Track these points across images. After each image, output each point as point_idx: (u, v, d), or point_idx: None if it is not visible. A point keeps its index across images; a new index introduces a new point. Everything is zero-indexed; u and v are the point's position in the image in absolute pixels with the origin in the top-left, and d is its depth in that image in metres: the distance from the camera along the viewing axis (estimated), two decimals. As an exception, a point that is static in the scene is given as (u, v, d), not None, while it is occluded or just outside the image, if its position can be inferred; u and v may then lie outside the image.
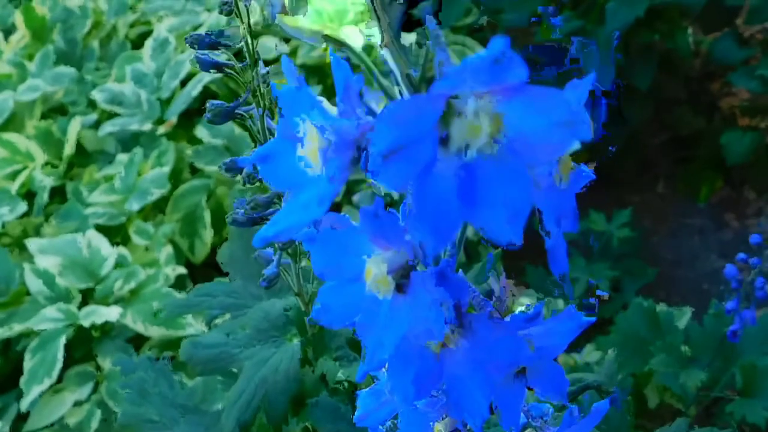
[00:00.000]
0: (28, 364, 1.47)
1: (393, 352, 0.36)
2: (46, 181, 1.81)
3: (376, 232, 0.36)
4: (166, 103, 1.93)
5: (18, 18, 2.23)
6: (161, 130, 1.88)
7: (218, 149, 1.81)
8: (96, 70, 2.10)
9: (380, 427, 0.49)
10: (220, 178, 1.79)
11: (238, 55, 0.76)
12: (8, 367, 1.56)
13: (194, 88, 1.88)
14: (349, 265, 0.38)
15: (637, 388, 1.53)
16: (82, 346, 1.53)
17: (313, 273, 0.82)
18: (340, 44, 0.35)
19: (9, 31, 2.30)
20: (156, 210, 1.81)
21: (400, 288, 0.37)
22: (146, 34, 2.11)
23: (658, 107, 2.20)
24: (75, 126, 1.87)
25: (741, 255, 1.35)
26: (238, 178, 0.76)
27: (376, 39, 0.36)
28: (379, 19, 0.34)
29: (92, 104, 1.98)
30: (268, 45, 1.86)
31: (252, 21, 0.73)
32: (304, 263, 0.83)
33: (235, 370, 0.87)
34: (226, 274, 0.95)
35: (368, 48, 0.40)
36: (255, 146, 0.78)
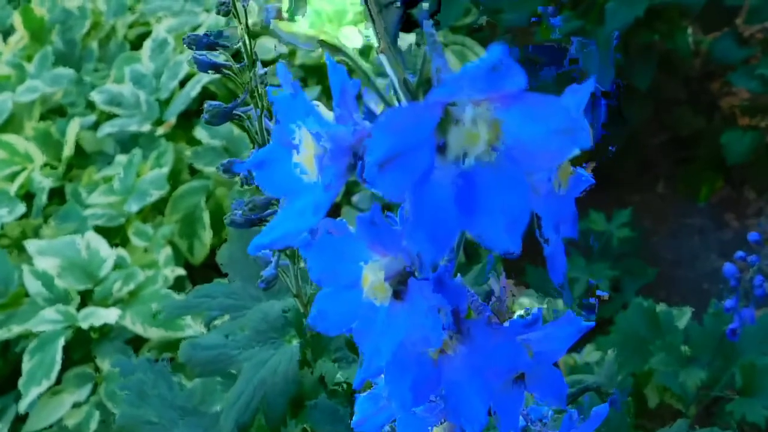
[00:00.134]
0: (26, 365, 1.46)
1: (390, 359, 0.36)
2: (44, 183, 1.81)
3: (373, 238, 0.36)
4: (164, 103, 1.93)
5: (17, 19, 2.23)
6: (160, 131, 1.88)
7: (217, 150, 1.81)
8: (95, 71, 2.10)
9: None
10: (219, 179, 1.79)
11: (237, 55, 0.76)
12: (7, 368, 1.56)
13: (193, 89, 1.88)
14: (346, 271, 0.37)
15: (637, 387, 1.53)
16: (81, 347, 1.53)
17: (311, 275, 0.82)
18: (335, 50, 0.35)
19: (8, 32, 2.30)
20: (155, 211, 1.81)
21: (397, 295, 0.37)
22: (145, 35, 2.10)
23: (657, 107, 2.20)
24: (74, 127, 1.87)
25: (740, 253, 1.35)
26: (237, 178, 0.76)
27: (375, 41, 0.36)
28: (374, 24, 0.34)
29: (91, 105, 1.97)
30: (267, 46, 1.86)
31: (251, 22, 0.73)
32: (302, 265, 0.83)
33: (234, 371, 0.86)
34: (226, 275, 0.94)
35: (368, 48, 0.40)
36: (254, 147, 0.77)
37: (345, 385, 0.83)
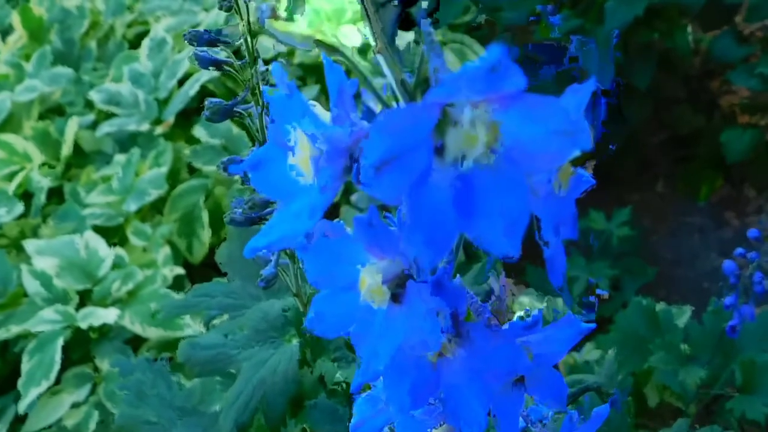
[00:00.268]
0: (25, 365, 1.46)
1: (389, 363, 0.36)
2: (43, 182, 1.81)
3: (370, 241, 0.36)
4: (163, 103, 1.92)
5: (15, 18, 2.22)
6: (159, 130, 1.87)
7: (216, 149, 1.80)
8: (93, 71, 2.09)
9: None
10: (218, 177, 1.79)
11: (237, 53, 0.75)
12: (6, 369, 1.55)
13: (192, 88, 1.88)
14: (343, 274, 0.37)
15: (636, 386, 1.52)
16: (80, 347, 1.53)
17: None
18: (332, 49, 0.34)
19: (6, 32, 2.29)
20: (154, 210, 1.80)
21: (395, 297, 0.36)
22: (144, 34, 2.10)
23: (657, 106, 2.19)
24: (72, 126, 1.86)
25: (739, 250, 1.35)
26: (236, 177, 0.75)
27: (372, 42, 0.36)
28: (371, 24, 0.34)
29: (90, 105, 1.97)
30: (266, 44, 1.86)
31: (252, 19, 0.72)
32: (302, 264, 0.83)
33: (233, 371, 0.86)
34: (225, 275, 0.94)
35: (366, 47, 0.39)
36: (253, 145, 0.77)
37: (344, 385, 0.83)
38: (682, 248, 2.16)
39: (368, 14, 0.33)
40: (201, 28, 0.74)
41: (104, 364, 1.49)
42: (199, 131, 1.83)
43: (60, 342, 1.46)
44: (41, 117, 1.99)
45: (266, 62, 0.75)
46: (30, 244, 1.60)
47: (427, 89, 0.31)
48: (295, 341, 0.85)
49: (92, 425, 1.41)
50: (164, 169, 1.76)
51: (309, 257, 0.38)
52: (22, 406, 1.43)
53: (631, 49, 1.99)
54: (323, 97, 1.71)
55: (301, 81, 1.93)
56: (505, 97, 0.29)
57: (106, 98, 1.91)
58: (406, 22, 0.36)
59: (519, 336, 0.42)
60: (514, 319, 0.44)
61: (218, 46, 0.74)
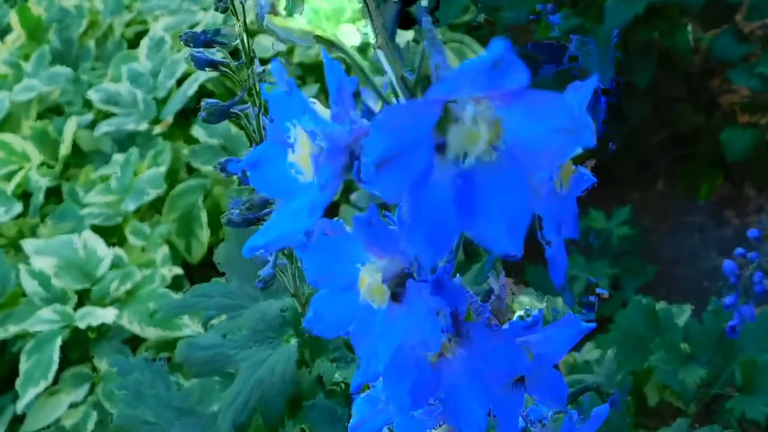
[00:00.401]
0: (23, 365, 1.46)
1: (388, 363, 0.35)
2: (41, 182, 1.80)
3: (370, 239, 0.35)
4: (162, 102, 1.92)
5: (13, 18, 2.22)
6: (157, 129, 1.87)
7: (215, 149, 1.80)
8: (92, 70, 2.09)
9: (376, 435, 0.48)
10: (216, 177, 1.78)
11: (235, 53, 0.75)
12: (4, 368, 1.55)
13: (190, 88, 1.87)
14: (343, 273, 0.37)
15: (636, 386, 1.52)
16: (79, 347, 1.53)
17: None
18: (331, 45, 0.34)
19: (5, 31, 2.29)
20: (152, 210, 1.80)
21: (395, 297, 0.36)
22: (142, 34, 2.09)
23: (657, 105, 2.19)
24: (71, 126, 1.86)
25: (739, 250, 1.34)
26: (235, 177, 0.75)
27: (372, 38, 0.35)
28: (372, 20, 0.33)
29: (88, 104, 1.96)
30: (265, 44, 1.85)
31: (249, 19, 0.72)
32: (300, 264, 0.82)
33: (232, 371, 0.86)
34: (224, 275, 0.94)
35: (366, 46, 0.39)
36: (251, 146, 0.77)
37: (343, 385, 0.83)
38: (682, 247, 2.15)
39: (369, 9, 0.33)
40: (199, 28, 0.74)
41: (103, 364, 1.49)
42: (197, 131, 1.83)
43: (58, 342, 1.46)
44: (40, 116, 1.99)
45: (265, 62, 0.74)
46: (28, 244, 1.60)
47: (428, 86, 0.30)
48: (293, 341, 0.85)
49: (90, 425, 1.40)
50: (163, 169, 1.76)
51: (308, 256, 0.37)
52: (20, 406, 1.43)
53: (631, 48, 1.99)
54: (323, 96, 1.71)
55: (300, 80, 1.93)
56: (508, 94, 0.28)
57: (105, 98, 1.91)
58: (405, 21, 0.35)
59: (519, 336, 0.42)
60: (514, 318, 0.44)
61: (214, 47, 0.74)
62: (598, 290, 1.68)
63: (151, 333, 1.49)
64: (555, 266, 0.36)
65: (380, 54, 0.34)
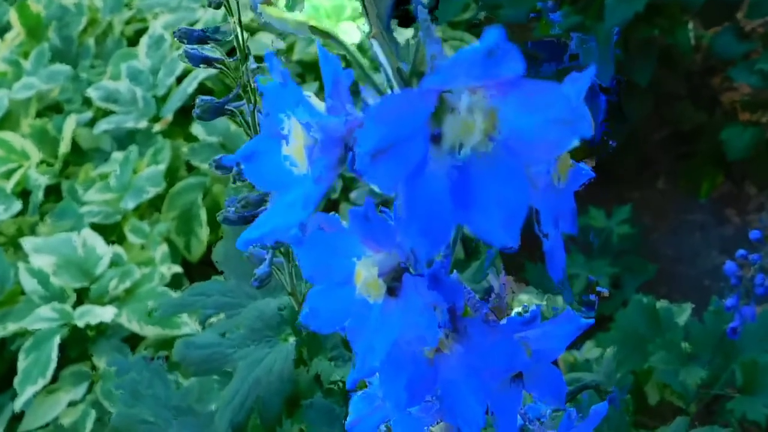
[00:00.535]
0: (22, 363, 1.45)
1: (385, 358, 0.35)
2: (41, 180, 1.80)
3: (366, 233, 0.35)
4: (161, 100, 1.92)
5: (13, 16, 2.21)
6: (157, 127, 1.87)
7: (214, 146, 1.79)
8: (91, 68, 2.08)
9: (373, 432, 0.47)
10: (216, 175, 1.78)
11: (233, 51, 0.75)
12: (3, 367, 1.55)
13: (190, 85, 1.87)
14: (339, 267, 0.36)
15: (637, 385, 1.52)
16: (78, 345, 1.52)
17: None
18: (326, 36, 0.34)
19: (4, 29, 2.28)
20: (152, 208, 1.80)
21: (391, 291, 0.35)
22: (142, 32, 2.09)
23: (658, 102, 2.19)
24: (70, 124, 1.86)
25: (741, 251, 1.34)
26: (232, 175, 0.75)
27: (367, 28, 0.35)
28: (366, 10, 0.33)
29: (87, 102, 1.96)
30: (265, 41, 1.85)
31: (249, 17, 0.72)
32: (297, 262, 0.82)
33: (230, 370, 0.86)
34: (223, 273, 0.94)
35: (365, 44, 0.38)
36: (249, 143, 0.76)
37: (341, 384, 0.82)
38: (683, 246, 2.15)
39: (363, -1, 0.33)
40: (199, 25, 0.74)
41: (101, 363, 1.48)
42: (197, 129, 1.82)
43: (57, 340, 1.45)
44: (39, 114, 1.98)
45: (263, 59, 0.74)
46: (27, 242, 1.60)
47: (424, 77, 0.30)
48: (291, 340, 0.84)
49: (89, 424, 1.40)
50: (162, 167, 1.75)
51: (304, 251, 0.37)
52: (18, 405, 1.43)
53: (632, 46, 1.99)
54: (322, 94, 1.70)
55: (300, 78, 1.92)
56: (504, 83, 0.28)
57: (104, 95, 1.90)
58: (404, 20, 0.35)
59: (517, 331, 0.41)
60: (512, 314, 0.43)
61: (209, 44, 0.73)
62: (598, 289, 1.68)
63: (150, 331, 1.49)
64: (553, 260, 0.36)
65: (375, 44, 0.33)
